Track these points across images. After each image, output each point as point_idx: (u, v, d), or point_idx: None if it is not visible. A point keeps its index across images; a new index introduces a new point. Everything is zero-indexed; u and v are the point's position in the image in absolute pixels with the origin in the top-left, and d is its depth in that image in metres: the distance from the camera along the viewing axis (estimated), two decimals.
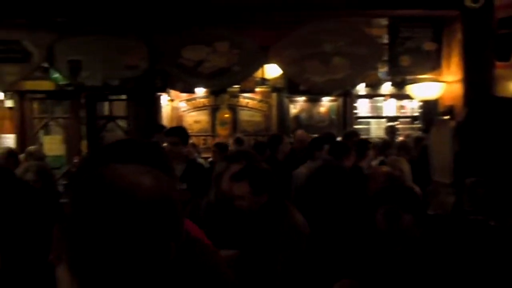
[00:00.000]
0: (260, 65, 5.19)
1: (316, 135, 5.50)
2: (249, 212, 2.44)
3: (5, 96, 6.80)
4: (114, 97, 6.83)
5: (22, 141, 6.61)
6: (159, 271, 0.77)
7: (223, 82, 5.22)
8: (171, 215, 0.79)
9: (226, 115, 8.33)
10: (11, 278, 3.21)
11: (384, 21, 5.21)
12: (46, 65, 5.45)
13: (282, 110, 8.33)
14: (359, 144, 4.57)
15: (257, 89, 7.87)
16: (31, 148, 5.46)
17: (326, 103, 8.46)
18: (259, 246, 2.35)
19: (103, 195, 0.73)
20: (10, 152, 4.54)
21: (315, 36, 4.76)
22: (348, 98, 8.21)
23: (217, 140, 7.78)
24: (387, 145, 5.33)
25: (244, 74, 5.16)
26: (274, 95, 8.17)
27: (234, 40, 4.89)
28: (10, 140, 6.78)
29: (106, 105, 7.21)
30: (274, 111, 8.36)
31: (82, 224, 0.73)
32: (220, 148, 5.52)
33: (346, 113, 8.36)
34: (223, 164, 2.84)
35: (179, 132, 4.25)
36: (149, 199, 0.75)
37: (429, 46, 5.07)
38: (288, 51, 4.83)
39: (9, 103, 6.99)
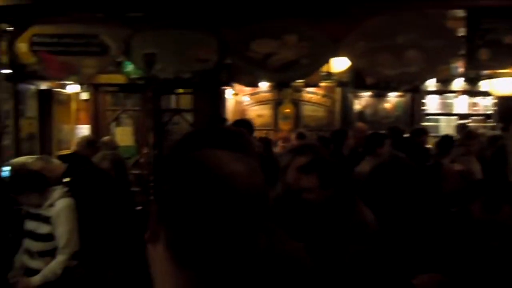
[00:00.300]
0: (329, 57, 5.10)
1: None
2: (316, 205, 2.42)
3: (81, 89, 7.20)
4: (181, 90, 7.02)
5: (96, 131, 6.95)
6: (252, 256, 0.78)
7: (291, 75, 5.19)
8: (264, 203, 0.79)
9: (289, 110, 8.32)
10: (88, 256, 3.43)
11: (460, 13, 4.94)
12: (121, 59, 5.70)
13: (346, 105, 8.18)
14: (443, 140, 4.37)
15: (322, 84, 7.77)
16: (105, 138, 5.78)
17: (392, 98, 8.21)
18: (326, 240, 2.33)
19: (204, 180, 0.75)
20: (89, 141, 4.81)
21: (388, 28, 4.61)
22: (416, 94, 7.92)
23: (279, 134, 7.80)
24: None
25: (313, 67, 5.10)
26: (338, 90, 8.04)
27: (303, 32, 4.84)
28: (85, 130, 7.18)
29: (172, 98, 7.45)
30: (337, 106, 8.24)
31: (182, 207, 0.75)
32: (265, 143, 5.46)
33: (414, 110, 8.07)
34: (288, 156, 2.83)
35: (245, 124, 4.27)
36: (246, 186, 0.76)
37: (511, 39, 4.75)
38: (359, 43, 4.71)
39: (84, 96, 7.40)
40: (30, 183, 3.22)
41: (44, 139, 6.50)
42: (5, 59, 4.93)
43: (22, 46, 5.05)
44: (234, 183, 0.75)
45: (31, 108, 6.17)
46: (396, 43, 4.61)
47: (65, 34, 5.03)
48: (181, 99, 7.46)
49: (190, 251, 0.74)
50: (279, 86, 7.68)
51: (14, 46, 5.00)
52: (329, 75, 7.34)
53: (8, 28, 4.91)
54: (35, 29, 5.08)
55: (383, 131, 5.31)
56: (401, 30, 4.58)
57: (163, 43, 4.85)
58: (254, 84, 7.41)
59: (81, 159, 4.29)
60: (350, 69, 6.09)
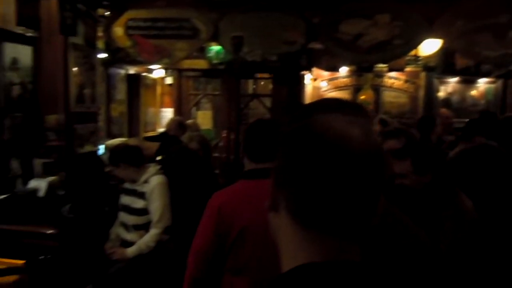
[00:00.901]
0: (423, 38, 4.84)
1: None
2: (413, 191, 2.35)
3: (166, 73, 7.51)
4: (260, 75, 7.08)
5: (178, 115, 7.22)
6: (371, 215, 0.78)
7: (381, 57, 5.01)
8: (381, 168, 0.78)
9: (367, 96, 8.09)
10: (178, 232, 3.59)
11: None
12: (210, 42, 5.81)
13: (431, 92, 7.79)
14: None
15: (406, 69, 7.46)
16: (190, 121, 6.01)
17: (482, 85, 7.70)
18: (425, 227, 2.25)
19: (319, 143, 0.76)
20: (180, 123, 5.04)
21: (488, 7, 4.30)
22: (509, 80, 7.36)
23: None
24: None
25: (406, 48, 4.87)
26: (423, 75, 7.67)
27: (396, 12, 4.65)
28: (168, 113, 7.49)
29: (251, 83, 7.54)
30: (421, 93, 7.87)
31: (301, 170, 0.76)
32: None
33: (505, 97, 7.51)
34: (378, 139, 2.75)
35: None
36: (361, 147, 0.75)
37: None
38: (456, 23, 4.43)
39: (169, 80, 7.71)
40: (127, 156, 3.41)
41: (132, 121, 6.87)
42: (101, 44, 5.24)
43: (118, 30, 5.30)
44: (349, 144, 0.75)
45: (121, 92, 6.53)
46: (498, 23, 4.28)
47: (158, 18, 5.22)
48: (259, 85, 7.54)
49: (313, 212, 0.76)
50: (361, 70, 7.48)
51: (110, 31, 5.30)
52: (415, 59, 7.01)
53: (105, 14, 5.20)
54: (131, 14, 5.32)
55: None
56: (504, 8, 4.25)
57: (250, 26, 4.89)
58: (335, 69, 7.29)
59: (172, 139, 4.49)
60: (439, 52, 5.78)
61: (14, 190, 3.80)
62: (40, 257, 3.08)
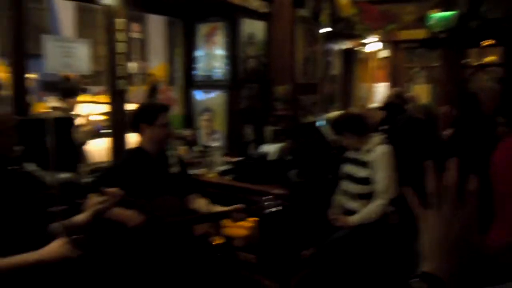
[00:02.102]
0: None
1: None
2: None
3: (382, 47, 7.29)
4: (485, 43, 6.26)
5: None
6: None
7: None
8: None
9: None
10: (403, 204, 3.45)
11: None
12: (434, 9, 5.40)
13: None
14: None
15: None
16: (409, 94, 5.75)
17: None
18: None
19: None
20: (398, 94, 4.88)
21: None
22: None
23: None
24: None
25: None
26: None
27: None
28: (381, 88, 7.29)
29: (475, 52, 6.74)
30: None
31: None
32: None
33: None
34: None
35: None
36: None
37: None
38: None
39: (383, 54, 7.48)
40: (350, 124, 3.40)
41: (345, 96, 6.91)
42: (324, 17, 5.35)
43: None
44: None
45: (335, 67, 6.61)
46: None
47: None
48: (484, 54, 6.69)
49: None
50: None
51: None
52: None
53: None
54: None
55: None
56: None
57: None
58: None
59: (397, 108, 4.34)
60: None
61: (247, 153, 4.23)
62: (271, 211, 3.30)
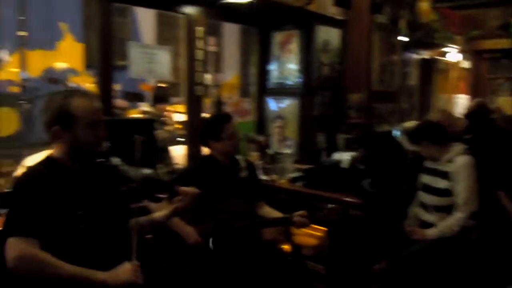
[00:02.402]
0: None
1: None
2: None
3: (463, 57, 6.95)
4: None
5: None
6: None
7: None
8: None
9: None
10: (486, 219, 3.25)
11: None
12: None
13: None
14: None
15: None
16: (493, 105, 5.44)
17: None
18: None
19: None
20: (483, 104, 4.65)
21: None
22: None
23: None
24: None
25: None
26: None
27: None
28: (462, 100, 6.94)
29: None
30: None
31: None
32: None
33: None
34: None
35: None
36: None
37: None
38: None
39: (465, 64, 7.13)
40: (428, 133, 3.26)
41: (423, 107, 6.65)
42: (402, 24, 5.20)
43: (424, 5, 5.21)
44: None
45: (413, 76, 6.39)
46: None
47: None
48: None
49: None
50: None
51: (415, 5, 5.23)
52: None
53: None
54: None
55: None
56: None
57: None
58: None
59: (483, 117, 4.13)
60: None
61: (319, 161, 4.19)
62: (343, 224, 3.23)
